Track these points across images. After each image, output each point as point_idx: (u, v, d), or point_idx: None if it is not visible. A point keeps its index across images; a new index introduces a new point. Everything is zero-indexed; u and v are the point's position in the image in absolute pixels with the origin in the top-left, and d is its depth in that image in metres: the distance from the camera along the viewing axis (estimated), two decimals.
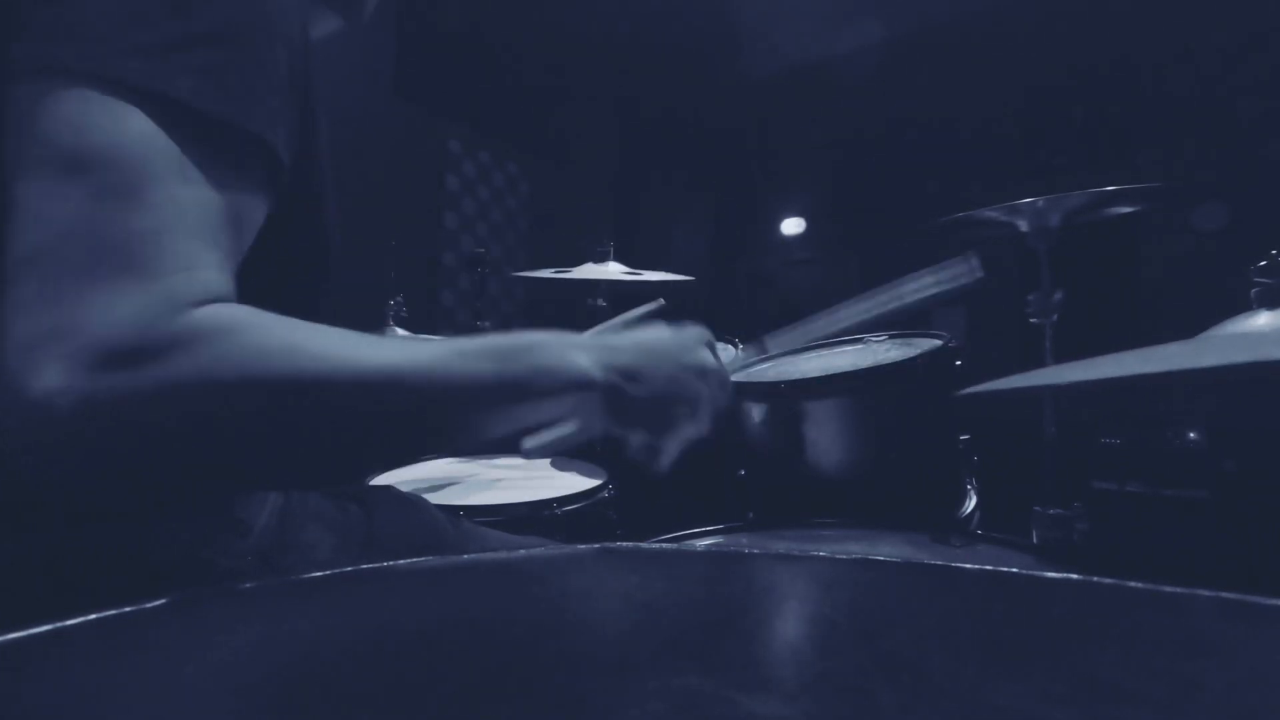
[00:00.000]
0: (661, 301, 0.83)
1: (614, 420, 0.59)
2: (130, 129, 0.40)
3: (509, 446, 0.62)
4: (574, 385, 0.54)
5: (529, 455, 0.63)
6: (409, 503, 0.77)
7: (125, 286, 0.38)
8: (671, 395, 0.60)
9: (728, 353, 0.79)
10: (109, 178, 0.39)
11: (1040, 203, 1.34)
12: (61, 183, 0.39)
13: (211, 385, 0.39)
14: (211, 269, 0.42)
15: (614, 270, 1.91)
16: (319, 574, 0.40)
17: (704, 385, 0.64)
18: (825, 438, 1.31)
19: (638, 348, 0.60)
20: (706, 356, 0.65)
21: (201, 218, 0.42)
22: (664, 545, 0.54)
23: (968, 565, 0.39)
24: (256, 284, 0.53)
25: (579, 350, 0.55)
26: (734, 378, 1.50)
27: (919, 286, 0.83)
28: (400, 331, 1.95)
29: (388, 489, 0.80)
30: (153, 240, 0.39)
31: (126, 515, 0.50)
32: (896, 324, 1.60)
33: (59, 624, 0.30)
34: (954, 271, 0.82)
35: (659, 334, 0.63)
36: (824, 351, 1.63)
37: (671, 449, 0.66)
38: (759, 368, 1.63)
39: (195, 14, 0.44)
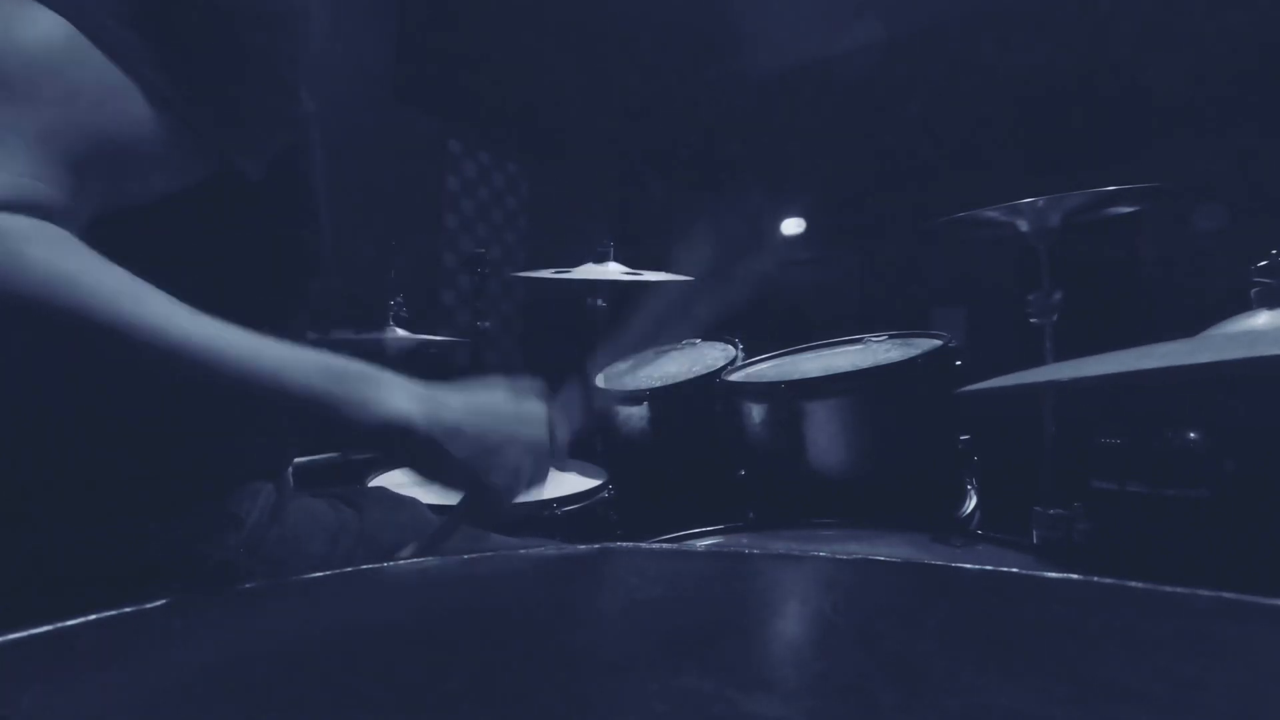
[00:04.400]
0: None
1: (427, 470, 0.58)
2: (43, 35, 0.40)
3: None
4: (393, 428, 0.52)
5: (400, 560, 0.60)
6: (401, 503, 0.77)
7: None
8: (487, 463, 0.58)
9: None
10: None
11: (1040, 203, 1.34)
12: None
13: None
14: (39, 180, 0.40)
15: (614, 270, 1.91)
16: (318, 574, 0.40)
17: (525, 459, 0.61)
18: (825, 438, 1.31)
19: (469, 408, 0.58)
20: (536, 431, 0.62)
21: (63, 136, 0.41)
22: (664, 545, 0.54)
23: (968, 565, 0.39)
24: (236, 287, 0.54)
25: (410, 396, 0.53)
26: (734, 378, 1.51)
27: None
28: (400, 332, 1.95)
29: (379, 489, 0.81)
30: None
31: None
32: (896, 324, 1.61)
33: (59, 624, 0.30)
34: None
35: (496, 397, 0.61)
36: (824, 351, 1.63)
37: (490, 503, 0.62)
38: (758, 368, 1.63)
39: None
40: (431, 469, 0.57)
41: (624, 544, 0.51)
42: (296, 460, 0.81)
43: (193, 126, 0.47)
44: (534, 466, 0.61)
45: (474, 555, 0.67)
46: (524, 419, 0.61)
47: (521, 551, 0.68)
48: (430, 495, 0.88)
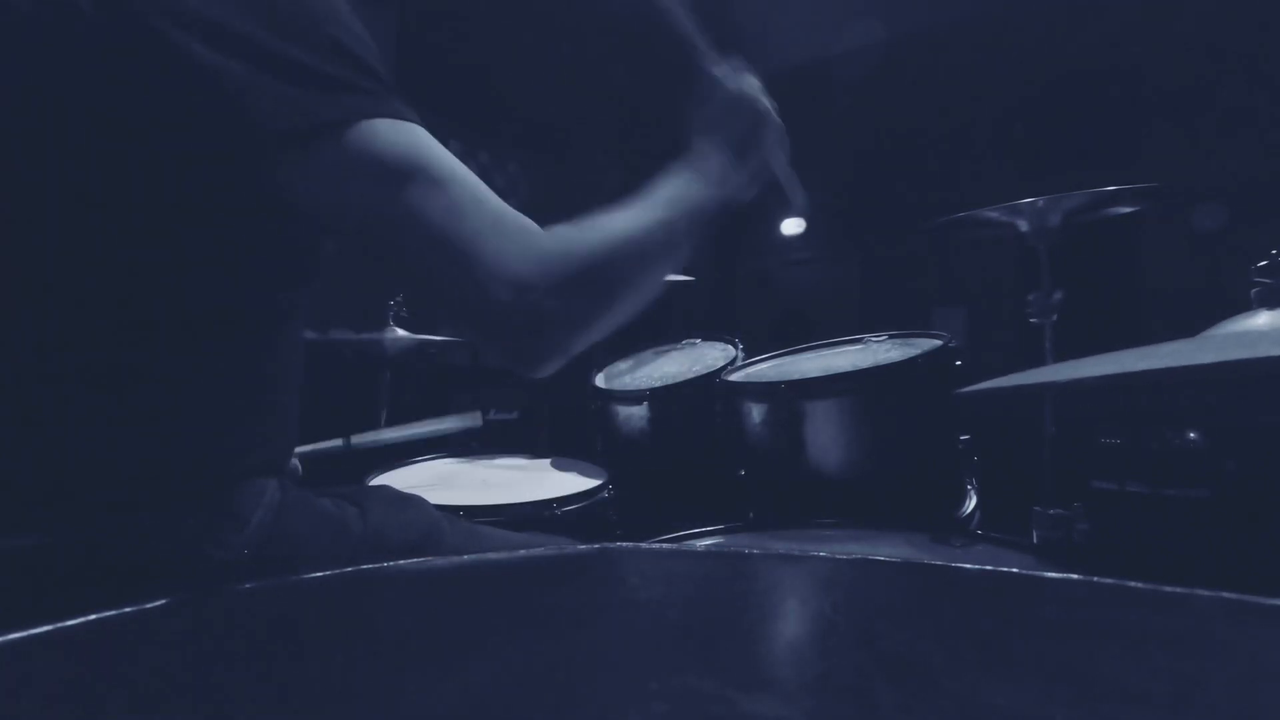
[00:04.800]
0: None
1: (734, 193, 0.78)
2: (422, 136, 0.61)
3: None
4: (711, 211, 0.74)
5: None
6: (405, 501, 0.77)
7: (516, 238, 0.61)
8: (757, 154, 0.83)
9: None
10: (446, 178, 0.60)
11: (1040, 203, 1.33)
12: (424, 186, 0.57)
13: (584, 270, 0.62)
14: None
15: None
16: (319, 574, 0.40)
17: (770, 129, 0.84)
18: (825, 438, 1.31)
19: (728, 138, 0.79)
20: (763, 107, 0.83)
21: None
22: (664, 545, 0.54)
23: (968, 565, 0.39)
24: (241, 287, 0.55)
25: (702, 183, 0.75)
26: (734, 378, 1.51)
27: None
28: (400, 332, 1.95)
29: (384, 488, 0.81)
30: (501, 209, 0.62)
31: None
32: (896, 324, 1.61)
33: (59, 624, 0.30)
34: None
35: (733, 116, 0.81)
36: (824, 351, 1.63)
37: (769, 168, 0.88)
38: (758, 368, 1.63)
39: (370, 55, 0.61)
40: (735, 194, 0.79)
41: (624, 544, 0.51)
42: (297, 450, 0.81)
43: None
44: (775, 131, 0.86)
45: (475, 556, 0.67)
46: (755, 108, 0.83)
47: (521, 552, 0.68)
48: (435, 495, 0.88)
